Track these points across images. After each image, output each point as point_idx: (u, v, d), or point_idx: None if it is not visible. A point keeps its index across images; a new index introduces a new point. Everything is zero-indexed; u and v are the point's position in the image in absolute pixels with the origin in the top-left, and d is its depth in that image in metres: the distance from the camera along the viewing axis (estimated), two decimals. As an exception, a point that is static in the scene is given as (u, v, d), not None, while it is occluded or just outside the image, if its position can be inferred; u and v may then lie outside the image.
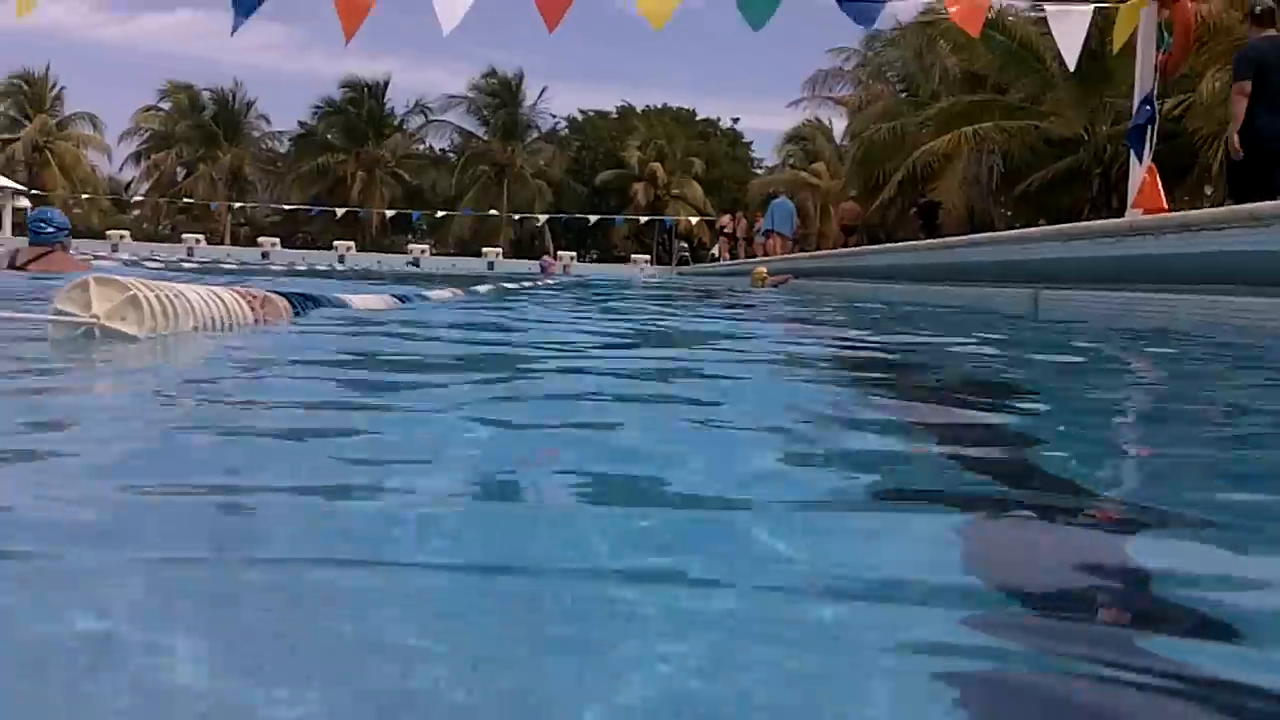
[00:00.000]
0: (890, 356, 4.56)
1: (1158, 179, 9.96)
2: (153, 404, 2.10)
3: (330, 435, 1.81)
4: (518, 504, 1.37)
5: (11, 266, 7.69)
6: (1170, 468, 1.94)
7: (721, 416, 2.15)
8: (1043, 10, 16.33)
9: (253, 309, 3.66)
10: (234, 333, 3.39)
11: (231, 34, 12.48)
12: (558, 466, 1.60)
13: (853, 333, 6.38)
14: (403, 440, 1.81)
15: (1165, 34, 10.90)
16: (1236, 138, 9.53)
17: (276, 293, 4.09)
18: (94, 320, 2.80)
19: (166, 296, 2.96)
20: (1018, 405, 2.75)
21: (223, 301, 3.34)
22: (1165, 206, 9.50)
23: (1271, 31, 9.74)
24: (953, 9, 13.91)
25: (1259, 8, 9.99)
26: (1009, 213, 29.84)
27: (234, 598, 0.95)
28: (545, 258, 32.25)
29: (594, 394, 2.48)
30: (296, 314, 4.14)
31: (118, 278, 2.90)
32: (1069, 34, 12.14)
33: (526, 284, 15.22)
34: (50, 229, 7.61)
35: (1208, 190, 22.21)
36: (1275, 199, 7.62)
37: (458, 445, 1.76)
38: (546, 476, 1.52)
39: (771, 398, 2.68)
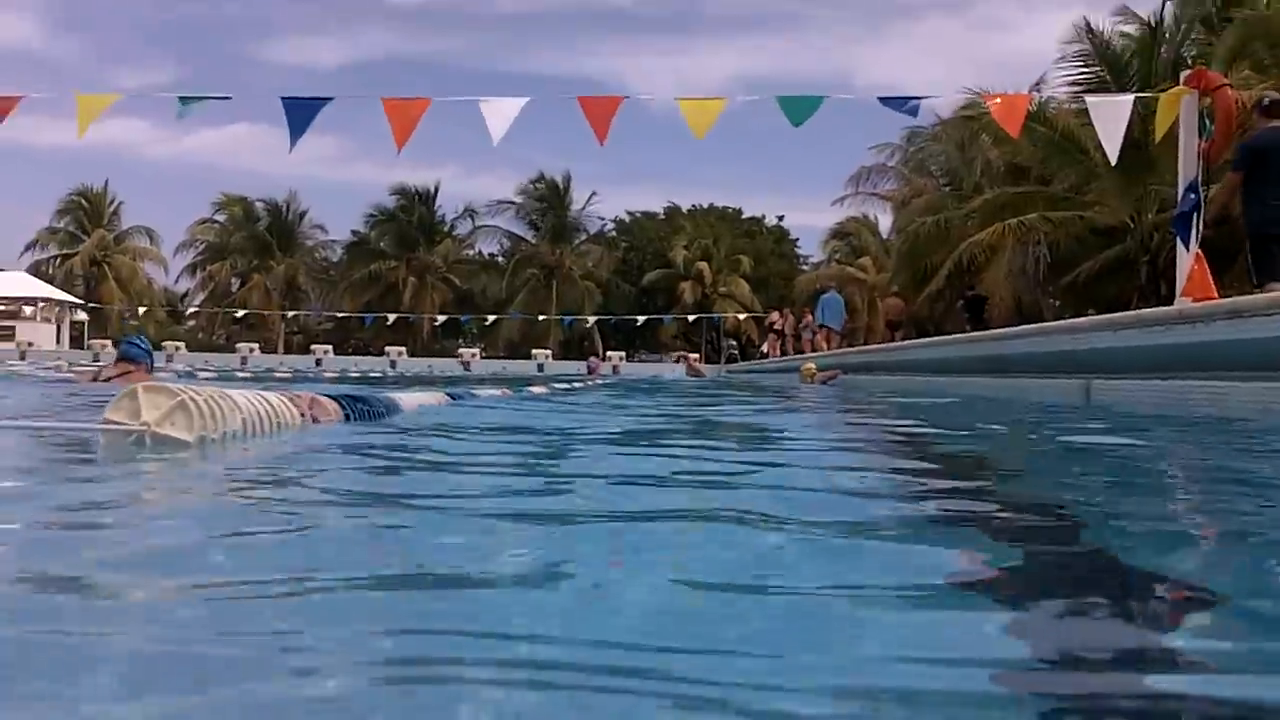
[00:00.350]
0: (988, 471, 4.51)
1: (1206, 266, 9.89)
2: (198, 507, 2.12)
3: (382, 531, 1.82)
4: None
5: (94, 380, 8.18)
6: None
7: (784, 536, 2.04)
8: (1083, 102, 16.47)
9: (300, 411, 3.70)
10: (282, 434, 3.42)
11: (290, 150, 12.83)
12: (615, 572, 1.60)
13: (928, 429, 6.33)
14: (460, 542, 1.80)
15: (1207, 122, 10.92)
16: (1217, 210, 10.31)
17: (326, 395, 4.14)
18: (144, 428, 2.84)
19: (214, 400, 3.00)
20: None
21: (270, 404, 3.38)
22: (1215, 294, 9.43)
23: (1276, 123, 9.91)
24: (992, 105, 14.07)
25: (1267, 99, 10.27)
26: (1057, 303, 29.69)
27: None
28: (593, 359, 32.58)
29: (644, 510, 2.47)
30: (346, 415, 4.18)
31: (166, 385, 2.95)
32: (1110, 124, 12.19)
33: (577, 384, 15.28)
34: (139, 349, 8.30)
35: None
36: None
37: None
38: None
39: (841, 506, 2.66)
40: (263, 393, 3.46)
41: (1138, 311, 9.63)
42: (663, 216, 70.44)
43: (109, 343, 43.20)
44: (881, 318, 29.99)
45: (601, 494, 2.48)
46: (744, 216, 71.71)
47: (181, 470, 2.66)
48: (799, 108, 12.46)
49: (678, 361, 41.63)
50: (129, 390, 2.90)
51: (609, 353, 46.28)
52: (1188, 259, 10.29)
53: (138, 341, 8.61)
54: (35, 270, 59.59)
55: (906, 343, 20.18)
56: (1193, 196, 10.54)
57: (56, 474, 2.70)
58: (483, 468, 3.09)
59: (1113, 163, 12.78)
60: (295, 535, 1.80)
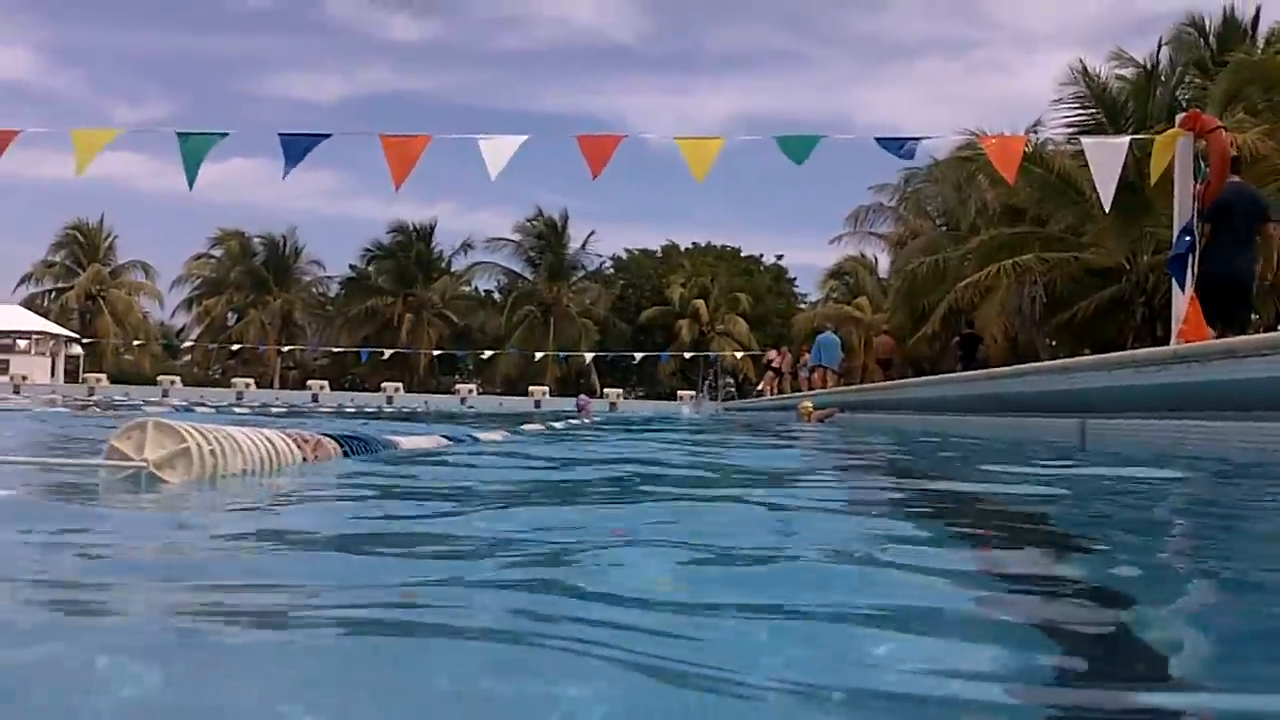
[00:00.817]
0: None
1: (1199, 307, 9.93)
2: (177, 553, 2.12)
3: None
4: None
5: None
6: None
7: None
8: (1079, 143, 16.55)
9: (303, 452, 3.71)
10: (283, 474, 3.43)
11: (284, 177, 12.85)
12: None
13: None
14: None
15: (1202, 163, 10.97)
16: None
17: (326, 435, 4.15)
18: (143, 465, 2.86)
19: (219, 441, 3.01)
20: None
21: (273, 445, 3.39)
22: (1206, 335, 9.50)
23: (1235, 178, 10.57)
24: (988, 146, 14.14)
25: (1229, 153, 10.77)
26: (1053, 343, 29.74)
27: None
28: (582, 396, 32.47)
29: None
30: (346, 456, 4.19)
31: (176, 425, 2.96)
32: (1105, 167, 12.23)
33: (573, 422, 15.25)
34: None
35: (1254, 316, 22.11)
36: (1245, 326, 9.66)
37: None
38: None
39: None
40: (267, 433, 3.47)
41: (1132, 351, 9.66)
42: (660, 254, 70.66)
43: (103, 377, 43.22)
44: (873, 356, 30.06)
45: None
46: (742, 255, 71.96)
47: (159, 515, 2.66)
48: (797, 147, 12.51)
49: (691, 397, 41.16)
50: (139, 423, 2.91)
51: (606, 390, 46.26)
52: (1183, 301, 10.32)
53: None
54: (30, 304, 59.62)
55: (903, 381, 20.19)
56: (1187, 239, 10.58)
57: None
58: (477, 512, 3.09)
59: (1106, 208, 12.80)
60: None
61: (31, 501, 2.83)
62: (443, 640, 1.36)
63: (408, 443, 5.21)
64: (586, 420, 16.65)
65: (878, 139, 12.95)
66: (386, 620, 1.48)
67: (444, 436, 6.11)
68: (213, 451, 2.93)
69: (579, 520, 2.85)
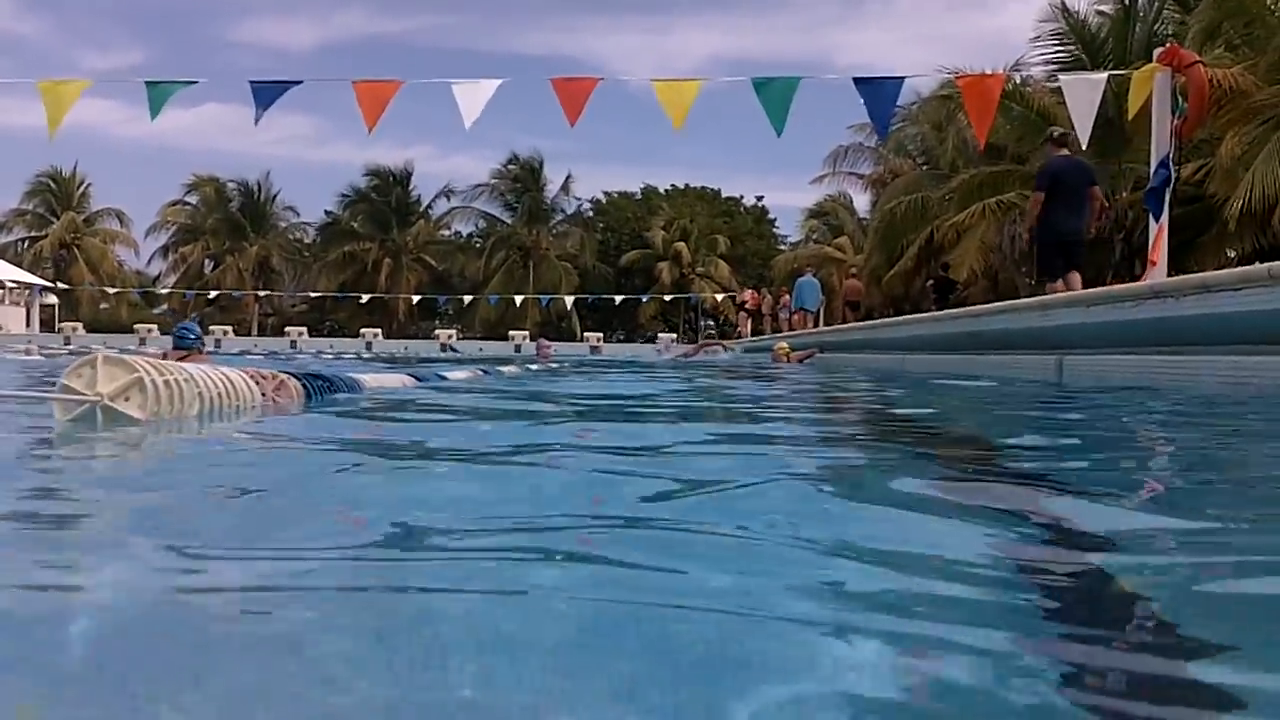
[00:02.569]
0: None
1: (1163, 235, 10.16)
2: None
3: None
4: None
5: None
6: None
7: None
8: (1059, 80, 16.46)
9: (264, 391, 3.65)
10: (242, 414, 3.37)
11: (255, 124, 12.76)
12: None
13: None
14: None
15: (1180, 99, 10.95)
16: (1028, 232, 12.63)
17: (289, 374, 4.09)
18: (98, 399, 2.80)
19: (174, 380, 2.95)
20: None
21: (232, 383, 3.33)
22: (1156, 260, 10.00)
23: (1065, 151, 12.19)
24: (965, 87, 14.00)
25: (1056, 132, 12.46)
26: (1032, 281, 29.75)
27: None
28: (541, 340, 32.18)
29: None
30: (309, 396, 4.13)
31: (127, 358, 2.90)
32: (1083, 103, 12.21)
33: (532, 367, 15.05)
34: (192, 336, 9.35)
35: (1230, 253, 22.15)
36: (1069, 274, 11.36)
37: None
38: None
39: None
40: (226, 371, 3.41)
41: (1108, 288, 9.67)
42: (640, 197, 70.31)
43: (79, 325, 42.90)
44: (840, 299, 30.09)
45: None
46: (723, 197, 71.69)
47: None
48: (775, 95, 12.36)
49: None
50: (89, 358, 2.85)
51: (587, 334, 46.14)
52: (1155, 230, 10.43)
53: (190, 329, 9.62)
54: (3, 253, 58.98)
55: (883, 321, 20.20)
56: (1164, 172, 10.61)
57: None
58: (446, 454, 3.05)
59: (1084, 144, 12.81)
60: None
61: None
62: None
63: (373, 381, 5.15)
64: (544, 363, 16.52)
65: (856, 80, 12.80)
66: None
67: (410, 375, 6.05)
68: (167, 383, 2.87)
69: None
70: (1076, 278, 11.53)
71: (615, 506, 1.94)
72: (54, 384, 2.82)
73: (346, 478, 2.30)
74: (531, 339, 42.58)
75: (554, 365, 15.37)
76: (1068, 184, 11.73)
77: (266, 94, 12.52)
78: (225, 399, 3.26)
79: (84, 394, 2.82)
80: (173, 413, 2.93)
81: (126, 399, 2.82)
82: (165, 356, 8.98)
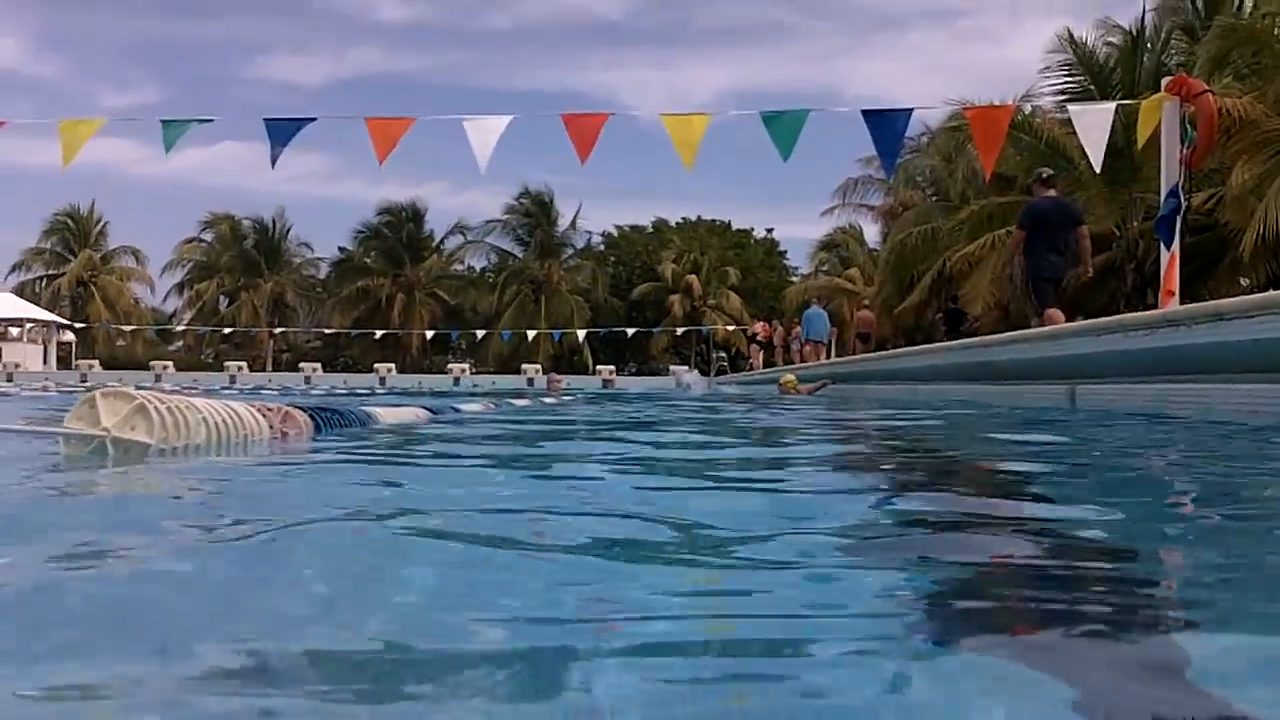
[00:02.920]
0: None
1: (1176, 263, 10.11)
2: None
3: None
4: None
5: None
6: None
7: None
8: (1067, 111, 16.49)
9: (270, 424, 3.65)
10: (249, 447, 3.37)
11: (272, 165, 12.80)
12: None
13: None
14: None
15: (1189, 128, 10.95)
16: (1014, 266, 13.13)
17: (298, 407, 4.08)
18: (104, 433, 2.80)
19: (177, 408, 2.96)
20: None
21: (238, 415, 3.33)
22: (1173, 289, 9.97)
23: (1052, 192, 12.81)
24: (972, 119, 14.02)
25: (1045, 174, 13.22)
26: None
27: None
28: (552, 374, 32.50)
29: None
30: (318, 429, 4.12)
31: (125, 390, 2.91)
32: (1093, 132, 12.23)
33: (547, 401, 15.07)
34: None
35: (1244, 281, 22.10)
36: (1051, 308, 12.24)
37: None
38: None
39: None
40: (231, 403, 3.41)
41: (1120, 316, 9.65)
42: (651, 231, 70.51)
43: (96, 363, 43.08)
44: (851, 330, 30.14)
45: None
46: (733, 229, 71.86)
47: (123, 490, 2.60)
48: (784, 129, 12.39)
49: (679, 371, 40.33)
50: (87, 398, 2.86)
51: (599, 367, 46.16)
52: (1166, 258, 10.43)
53: None
54: (21, 291, 59.32)
55: (895, 351, 20.18)
56: (1174, 200, 10.59)
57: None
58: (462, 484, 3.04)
59: (1096, 170, 12.87)
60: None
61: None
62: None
63: (386, 415, 5.14)
64: (556, 397, 16.54)
65: (864, 112, 12.80)
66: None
67: (425, 409, 6.04)
68: (170, 410, 2.88)
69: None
70: (1057, 315, 12.24)
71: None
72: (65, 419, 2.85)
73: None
74: (544, 373, 42.63)
75: (566, 398, 15.38)
76: (1051, 223, 12.33)
77: (282, 132, 12.60)
78: (231, 429, 3.26)
79: (90, 430, 2.82)
80: (180, 440, 2.93)
81: (132, 428, 2.83)
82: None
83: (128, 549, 1.69)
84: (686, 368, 43.48)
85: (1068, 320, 12.08)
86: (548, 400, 13.61)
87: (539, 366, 45.36)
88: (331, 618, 1.27)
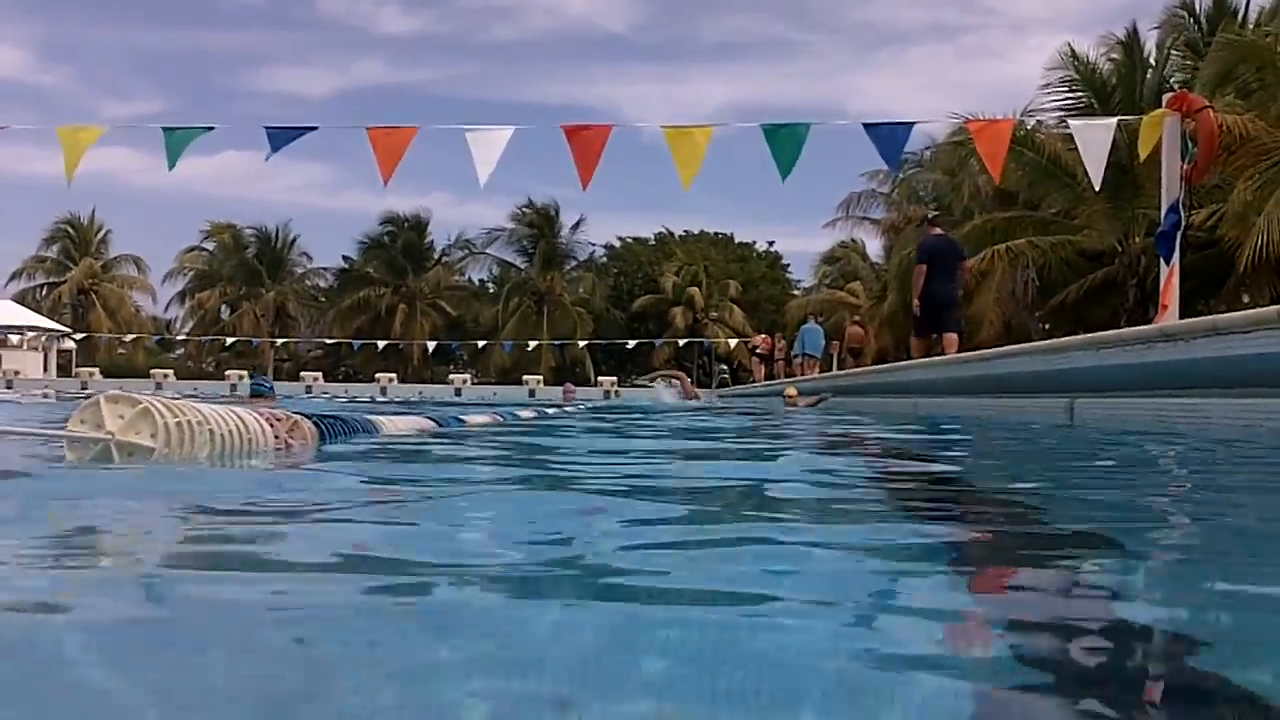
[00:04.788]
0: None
1: (1175, 279, 10.13)
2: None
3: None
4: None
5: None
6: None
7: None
8: (1068, 127, 16.54)
9: (276, 432, 3.67)
10: (255, 454, 3.39)
11: (265, 160, 12.79)
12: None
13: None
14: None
15: (1190, 144, 10.98)
16: (916, 300, 14.92)
17: (303, 415, 4.11)
18: (109, 437, 2.83)
19: (180, 410, 2.98)
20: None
21: (243, 422, 3.35)
22: (1167, 303, 10.02)
23: (938, 231, 15.64)
24: (976, 132, 14.07)
25: (932, 214, 16.95)
26: (1047, 326, 29.75)
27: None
28: (567, 384, 33.28)
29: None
30: (323, 438, 4.14)
31: (130, 394, 2.93)
32: (1094, 147, 12.25)
33: (564, 409, 15.21)
34: (266, 386, 10.89)
35: (1245, 298, 22.12)
36: (945, 335, 14.58)
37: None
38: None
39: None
40: (237, 409, 3.43)
41: (1119, 330, 9.67)
42: (654, 242, 70.55)
43: (96, 371, 43.05)
44: (843, 345, 30.20)
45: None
46: (736, 242, 71.90)
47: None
48: (785, 143, 12.38)
49: (670, 382, 39.95)
50: (92, 401, 2.89)
51: (600, 378, 46.15)
52: (1166, 274, 10.46)
53: (264, 380, 11.35)
54: (22, 299, 59.32)
55: (894, 365, 20.19)
56: (1174, 216, 10.62)
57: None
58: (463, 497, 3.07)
59: (1096, 186, 12.91)
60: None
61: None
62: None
63: (391, 425, 5.16)
64: (568, 405, 16.78)
65: (865, 125, 12.84)
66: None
67: (430, 419, 6.05)
68: (177, 420, 2.90)
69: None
70: (954, 339, 14.61)
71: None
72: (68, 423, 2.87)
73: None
74: (546, 384, 42.63)
75: (570, 409, 15.47)
76: (941, 259, 14.69)
77: (280, 137, 12.59)
78: (238, 438, 3.29)
79: (94, 434, 2.85)
80: (183, 448, 2.95)
81: (137, 432, 2.85)
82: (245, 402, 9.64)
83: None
84: (665, 383, 42.83)
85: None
86: (567, 409, 13.75)
87: (540, 377, 45.35)
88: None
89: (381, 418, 5.33)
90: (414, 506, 2.50)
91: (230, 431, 3.22)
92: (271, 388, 10.98)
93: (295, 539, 1.98)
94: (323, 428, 4.17)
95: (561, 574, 1.67)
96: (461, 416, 7.40)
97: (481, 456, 4.49)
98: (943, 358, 14.13)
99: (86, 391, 28.13)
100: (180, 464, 2.87)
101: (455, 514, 2.37)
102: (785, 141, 12.33)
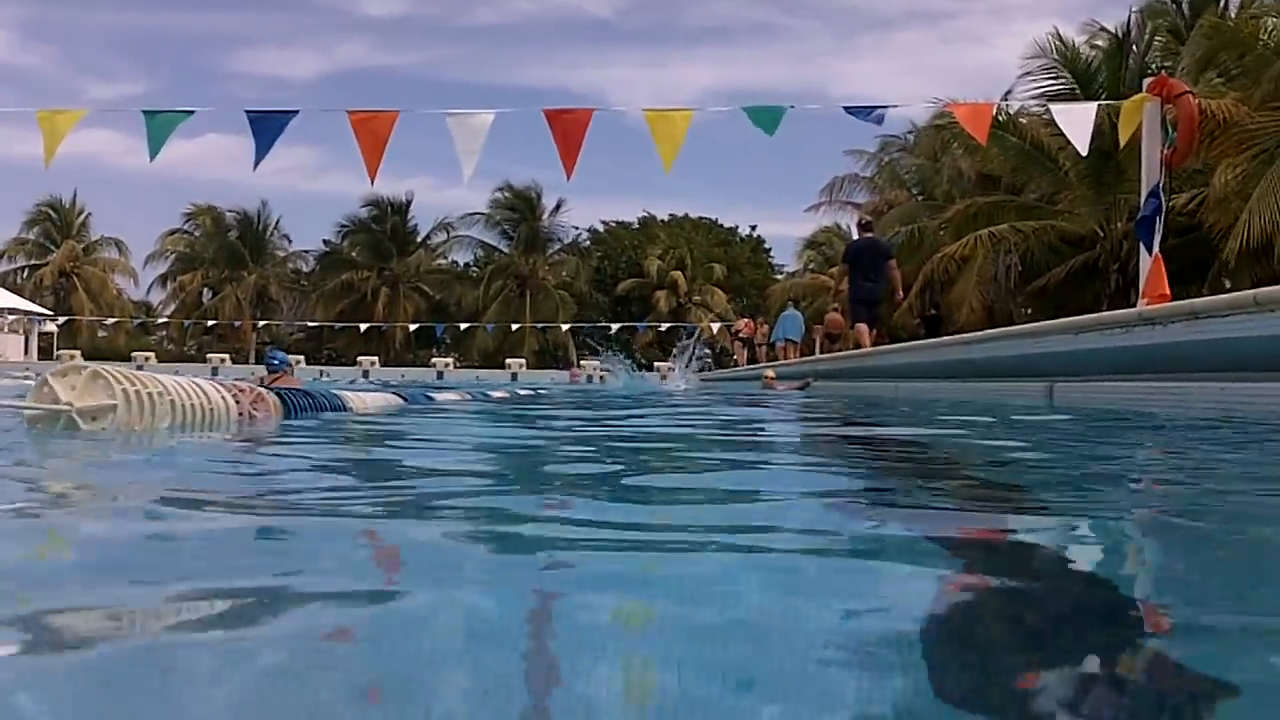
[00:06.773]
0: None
1: (1163, 267, 10.05)
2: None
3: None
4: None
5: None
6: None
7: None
8: (1050, 113, 16.59)
9: (240, 405, 3.63)
10: (217, 426, 3.35)
11: (254, 168, 12.63)
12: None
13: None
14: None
15: (1170, 129, 10.98)
16: (835, 293, 18.63)
17: (266, 388, 4.06)
18: (68, 408, 2.78)
19: (150, 395, 2.94)
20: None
21: (206, 395, 3.31)
22: (1168, 292, 9.76)
23: (869, 234, 17.89)
24: (958, 112, 14.10)
25: (864, 219, 18.79)
26: (1029, 310, 29.79)
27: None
28: (573, 368, 33.94)
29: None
30: (288, 412, 4.10)
31: (73, 364, 2.89)
32: (1077, 124, 12.29)
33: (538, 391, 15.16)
34: (277, 362, 10.41)
35: (1226, 283, 22.18)
36: (861, 323, 16.95)
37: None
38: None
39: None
40: (201, 382, 3.39)
41: (1098, 314, 9.68)
42: (637, 226, 70.52)
43: (78, 353, 42.87)
44: (821, 332, 30.25)
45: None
46: (720, 226, 71.94)
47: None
48: (767, 118, 12.40)
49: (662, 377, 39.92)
50: (39, 381, 2.85)
51: (583, 362, 46.14)
52: (1149, 261, 10.41)
53: (277, 355, 10.89)
54: (2, 281, 59.00)
55: (876, 349, 20.19)
56: (1154, 201, 10.62)
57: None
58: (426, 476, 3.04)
59: (1084, 153, 12.93)
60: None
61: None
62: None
63: (359, 401, 5.12)
64: (542, 389, 16.93)
65: (846, 107, 12.85)
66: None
67: (398, 395, 6.01)
68: (137, 389, 2.86)
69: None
70: (863, 329, 16.84)
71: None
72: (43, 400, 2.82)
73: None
74: (529, 367, 42.62)
75: (544, 391, 15.51)
76: (865, 258, 16.80)
77: (265, 128, 12.39)
78: (200, 410, 3.25)
79: (54, 406, 2.80)
80: (144, 419, 2.91)
81: (92, 395, 2.80)
82: (261, 381, 9.37)
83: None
84: (669, 364, 43.06)
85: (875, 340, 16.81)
86: (522, 392, 13.66)
87: (523, 360, 45.32)
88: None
89: (349, 393, 5.29)
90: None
91: (192, 405, 3.17)
92: (286, 362, 10.57)
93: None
94: (287, 401, 4.12)
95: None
96: (430, 394, 7.36)
97: (439, 435, 4.45)
98: (923, 342, 14.22)
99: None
100: (141, 433, 2.83)
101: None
102: (765, 117, 12.37)
